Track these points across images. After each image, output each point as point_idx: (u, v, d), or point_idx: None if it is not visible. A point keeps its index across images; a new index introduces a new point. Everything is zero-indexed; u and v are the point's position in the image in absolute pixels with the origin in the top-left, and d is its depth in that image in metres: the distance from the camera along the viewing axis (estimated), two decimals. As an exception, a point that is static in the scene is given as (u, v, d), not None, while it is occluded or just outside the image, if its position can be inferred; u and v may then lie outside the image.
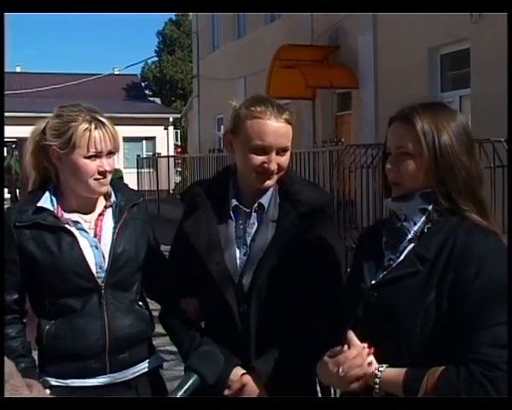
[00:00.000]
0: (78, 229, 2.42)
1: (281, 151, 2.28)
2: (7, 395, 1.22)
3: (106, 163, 2.39)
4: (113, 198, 2.51)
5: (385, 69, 13.46)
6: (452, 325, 1.79)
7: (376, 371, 1.84)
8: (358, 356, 1.84)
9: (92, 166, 2.37)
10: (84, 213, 2.46)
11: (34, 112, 31.09)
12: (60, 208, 2.44)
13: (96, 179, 2.39)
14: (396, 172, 1.96)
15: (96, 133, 2.36)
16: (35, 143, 2.46)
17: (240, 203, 2.37)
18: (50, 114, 2.46)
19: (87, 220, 2.46)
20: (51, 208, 2.42)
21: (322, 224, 2.36)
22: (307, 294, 2.26)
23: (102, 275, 2.41)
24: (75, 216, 2.44)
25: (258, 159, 2.27)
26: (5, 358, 1.34)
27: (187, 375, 1.92)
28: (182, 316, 2.41)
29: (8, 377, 1.26)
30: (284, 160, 2.31)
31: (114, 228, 2.46)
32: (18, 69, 42.52)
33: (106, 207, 2.50)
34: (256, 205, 2.35)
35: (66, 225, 2.40)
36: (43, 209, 2.41)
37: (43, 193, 2.45)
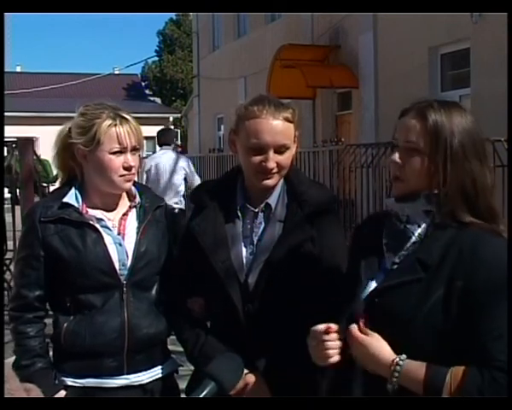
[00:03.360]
0: (102, 226, 2.42)
1: (279, 149, 2.27)
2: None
3: (131, 159, 2.40)
4: (137, 199, 2.51)
5: (385, 69, 13.46)
6: (466, 331, 1.77)
7: (398, 360, 1.81)
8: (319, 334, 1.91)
9: (117, 161, 2.38)
10: (107, 212, 2.46)
11: (34, 112, 31.38)
12: (84, 205, 2.44)
13: (121, 176, 2.39)
14: (400, 167, 1.89)
15: (120, 129, 2.37)
16: (61, 144, 2.47)
17: (247, 203, 2.37)
18: (73, 114, 2.47)
19: (110, 218, 2.46)
20: (76, 205, 2.42)
21: (328, 224, 2.37)
22: (312, 294, 2.26)
23: (125, 273, 2.41)
24: (99, 214, 2.44)
25: (256, 158, 2.27)
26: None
27: (205, 382, 1.92)
28: (188, 315, 2.42)
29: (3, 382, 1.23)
30: (284, 158, 2.30)
31: (138, 228, 2.46)
32: (18, 69, 42.54)
33: (130, 207, 2.51)
34: (263, 205, 2.36)
35: (91, 222, 2.40)
36: (68, 205, 2.42)
37: (69, 189, 2.46)
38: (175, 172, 8.12)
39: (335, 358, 1.91)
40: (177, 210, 7.89)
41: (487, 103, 10.40)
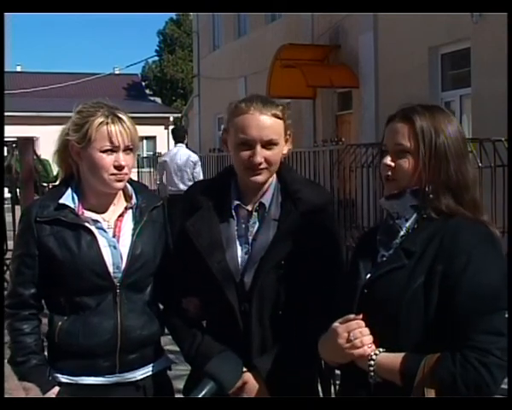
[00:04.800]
0: (98, 228, 2.42)
1: (267, 145, 2.29)
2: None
3: (122, 158, 2.39)
4: (133, 200, 2.51)
5: (385, 68, 13.46)
6: (446, 313, 1.83)
7: (372, 354, 1.89)
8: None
9: (108, 160, 2.37)
10: (102, 212, 2.46)
11: (34, 112, 31.37)
12: (80, 206, 2.44)
13: (112, 174, 2.39)
14: (392, 169, 2.01)
15: (112, 127, 2.36)
16: (61, 141, 2.47)
17: (241, 202, 2.37)
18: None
19: (106, 219, 2.46)
20: (72, 206, 2.42)
21: (323, 223, 2.37)
22: (308, 292, 2.26)
23: (119, 275, 2.41)
24: (95, 215, 2.44)
25: (244, 154, 2.29)
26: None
27: (204, 381, 1.91)
28: (183, 315, 2.41)
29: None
30: (272, 154, 2.30)
31: (134, 230, 2.46)
32: (18, 69, 42.54)
33: (126, 208, 2.50)
34: (257, 204, 2.36)
35: (86, 224, 2.40)
36: (64, 206, 2.41)
37: (66, 189, 2.46)
38: (186, 163, 10.26)
39: (367, 349, 1.90)
40: None
41: (488, 103, 10.41)
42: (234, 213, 2.37)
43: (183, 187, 9.85)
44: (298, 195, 2.35)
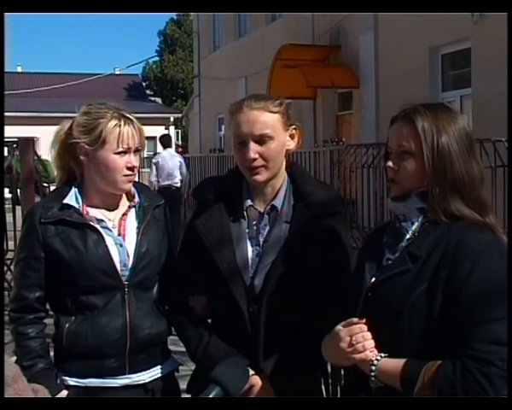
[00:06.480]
0: (103, 227, 2.42)
1: (260, 139, 2.25)
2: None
3: (134, 159, 2.41)
4: (136, 199, 2.51)
5: (386, 69, 13.46)
6: (448, 320, 1.81)
7: (374, 360, 1.88)
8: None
9: (121, 162, 2.38)
10: (107, 211, 2.46)
11: (35, 112, 31.35)
12: (84, 206, 2.44)
13: (124, 175, 2.40)
14: (396, 171, 1.99)
15: (125, 129, 2.37)
16: (60, 143, 2.47)
17: (253, 203, 2.34)
18: (72, 114, 2.46)
19: (110, 219, 2.46)
20: (76, 206, 2.42)
21: (335, 226, 2.33)
22: (318, 296, 2.24)
23: (126, 273, 2.40)
24: (99, 214, 2.44)
25: (241, 152, 2.27)
26: (9, 360, 1.31)
27: (211, 386, 1.91)
28: (190, 314, 2.40)
29: (11, 382, 1.22)
30: (266, 149, 2.26)
31: (138, 228, 2.46)
32: (19, 69, 42.54)
33: (129, 207, 2.50)
34: (269, 207, 2.33)
35: (91, 223, 2.40)
36: (68, 206, 2.41)
37: (69, 190, 2.45)
38: (174, 163, 12.61)
39: (369, 354, 1.89)
40: (174, 188, 12.45)
41: (488, 103, 10.42)
42: (245, 214, 2.34)
43: (171, 183, 12.42)
44: (311, 198, 2.31)
